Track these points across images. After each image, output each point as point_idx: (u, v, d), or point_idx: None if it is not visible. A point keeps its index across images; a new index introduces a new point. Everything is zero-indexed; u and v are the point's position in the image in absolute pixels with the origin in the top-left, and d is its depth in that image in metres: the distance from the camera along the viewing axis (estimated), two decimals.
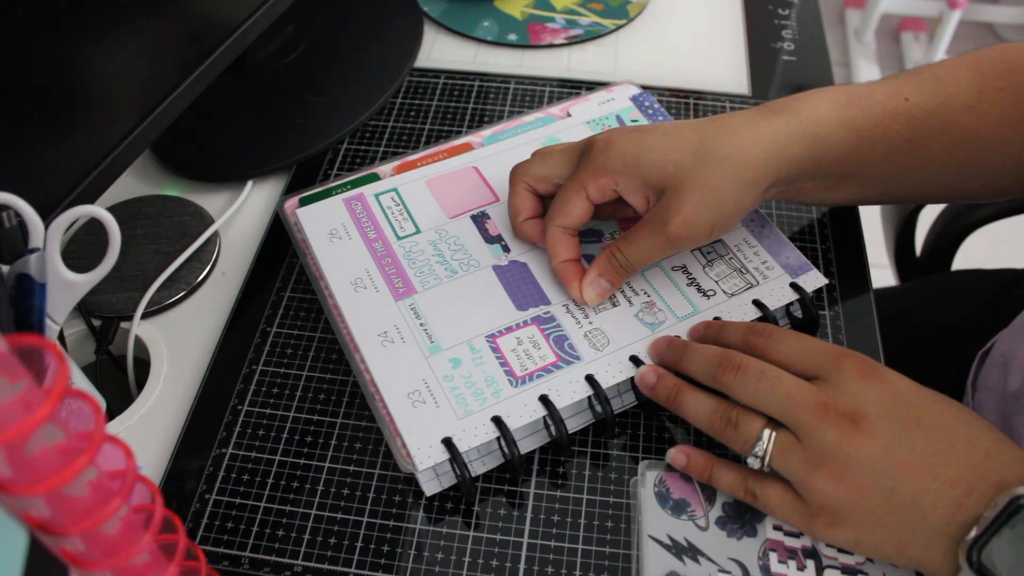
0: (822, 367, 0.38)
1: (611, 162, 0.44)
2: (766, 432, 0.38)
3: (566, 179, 0.46)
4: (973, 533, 0.34)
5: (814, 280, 0.48)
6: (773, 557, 0.39)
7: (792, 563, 0.39)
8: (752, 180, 0.43)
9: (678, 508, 0.41)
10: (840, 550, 0.39)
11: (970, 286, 0.73)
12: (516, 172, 0.49)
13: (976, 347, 0.56)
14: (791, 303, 0.47)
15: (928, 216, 0.79)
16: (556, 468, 0.44)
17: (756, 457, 0.38)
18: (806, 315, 0.47)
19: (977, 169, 0.48)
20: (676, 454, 0.42)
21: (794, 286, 0.47)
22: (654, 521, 0.40)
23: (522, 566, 0.40)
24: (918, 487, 0.35)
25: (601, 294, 0.46)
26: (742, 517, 0.40)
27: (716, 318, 0.46)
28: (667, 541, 0.40)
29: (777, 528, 0.40)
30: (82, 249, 0.53)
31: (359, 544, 0.41)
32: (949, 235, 0.78)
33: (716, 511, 0.41)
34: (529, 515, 0.42)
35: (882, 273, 0.71)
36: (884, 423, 0.36)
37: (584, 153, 0.46)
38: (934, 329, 0.69)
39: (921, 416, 0.37)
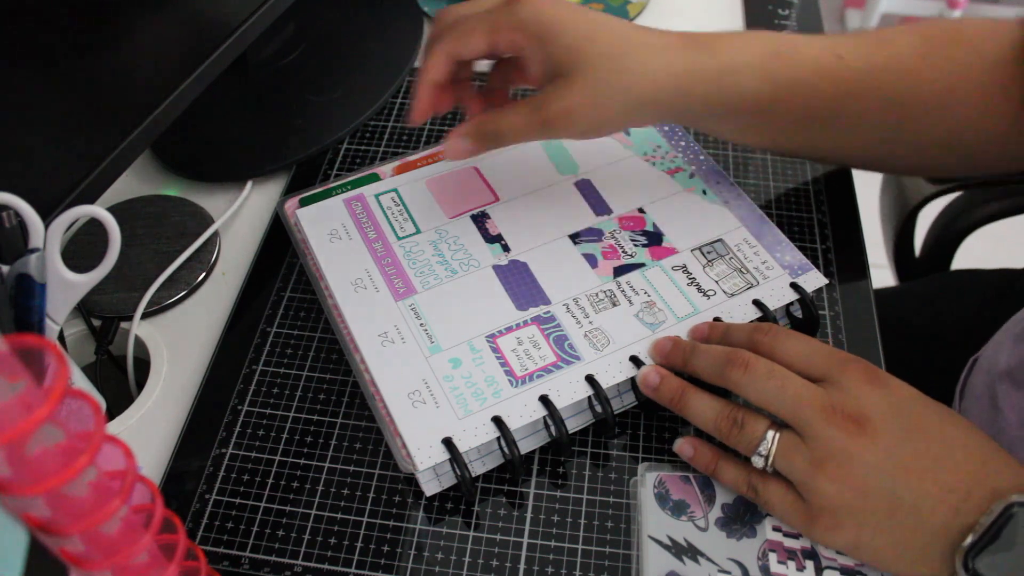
0: (827, 370, 0.39)
1: (531, 23, 0.42)
2: (770, 432, 0.38)
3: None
4: (969, 540, 0.34)
5: (814, 280, 0.48)
6: (772, 557, 0.39)
7: (792, 564, 0.39)
8: (646, 102, 0.43)
9: (678, 509, 0.41)
10: (839, 552, 0.39)
11: (968, 286, 0.73)
12: (436, 34, 0.45)
13: (972, 348, 0.56)
14: (791, 303, 0.47)
15: (928, 216, 0.79)
16: (556, 468, 0.43)
17: (760, 457, 0.38)
18: (806, 315, 0.47)
19: (906, 137, 0.47)
20: (683, 445, 0.42)
21: (794, 286, 0.47)
22: (654, 522, 0.40)
23: (522, 566, 0.40)
24: (918, 491, 0.36)
25: (458, 152, 0.45)
26: (741, 518, 0.40)
27: (716, 318, 0.46)
28: (667, 541, 0.40)
29: (776, 529, 0.40)
30: (82, 249, 0.53)
31: (359, 544, 0.41)
32: (949, 235, 0.78)
33: (716, 512, 0.41)
34: (529, 515, 0.42)
35: (881, 273, 0.71)
36: (888, 427, 0.37)
37: (510, 1, 0.44)
38: (931, 330, 0.69)
39: (923, 423, 0.37)
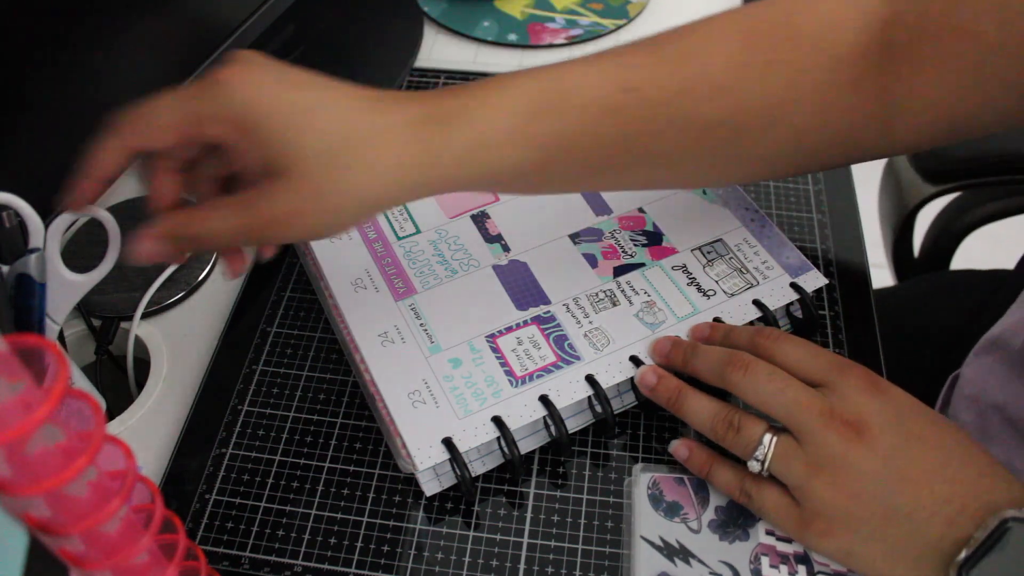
0: (828, 375, 0.39)
1: (235, 114, 0.33)
2: (767, 436, 0.38)
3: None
4: (963, 554, 0.34)
5: (814, 280, 0.48)
6: (765, 561, 0.39)
7: (784, 568, 0.39)
8: (380, 201, 0.36)
9: (671, 510, 0.41)
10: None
11: (962, 287, 0.73)
12: (118, 123, 0.35)
13: (964, 350, 0.56)
14: (791, 303, 0.47)
15: (927, 216, 0.79)
16: (556, 468, 0.43)
17: (757, 461, 0.38)
18: (806, 315, 0.47)
19: (736, 156, 0.41)
20: (679, 446, 0.42)
21: (794, 286, 0.47)
22: (646, 522, 0.40)
23: (522, 566, 0.40)
24: (914, 501, 0.35)
25: (150, 257, 0.36)
26: (735, 521, 0.40)
27: (716, 318, 0.46)
28: (659, 543, 0.40)
29: (769, 533, 0.40)
30: (82, 249, 0.53)
31: (359, 544, 0.41)
32: (947, 235, 0.78)
33: (709, 514, 0.41)
34: (529, 515, 0.42)
35: (880, 273, 0.71)
36: (886, 435, 0.37)
37: (213, 82, 0.34)
38: (924, 331, 0.69)
39: (921, 432, 0.37)
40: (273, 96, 0.34)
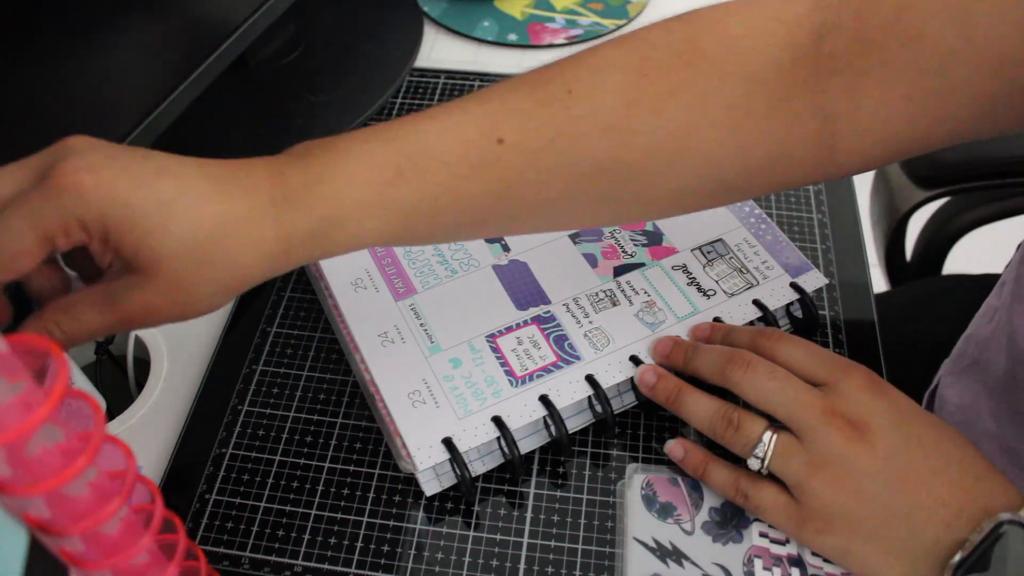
0: (829, 375, 0.39)
1: (88, 219, 0.30)
2: (767, 434, 0.38)
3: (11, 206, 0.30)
4: (958, 556, 0.34)
5: (814, 280, 0.48)
6: (758, 564, 0.39)
7: (777, 570, 0.39)
8: (244, 283, 0.33)
9: (664, 511, 0.41)
10: (826, 560, 0.38)
11: (952, 292, 0.73)
12: None
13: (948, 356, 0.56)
14: (791, 303, 0.47)
15: (919, 219, 0.79)
16: (556, 468, 0.43)
17: (756, 458, 0.38)
18: (806, 315, 0.47)
19: (638, 195, 0.37)
20: (674, 446, 0.42)
21: (794, 286, 0.47)
22: (639, 523, 0.40)
23: (522, 566, 0.40)
24: (913, 502, 0.36)
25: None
26: (729, 522, 0.40)
27: (716, 318, 0.46)
28: (652, 544, 0.40)
29: (763, 535, 0.40)
30: (82, 249, 0.53)
31: (359, 544, 0.41)
32: (939, 240, 0.79)
33: (703, 516, 0.41)
34: (529, 515, 0.42)
35: (874, 272, 0.71)
36: (887, 435, 0.37)
37: (48, 176, 0.30)
38: (915, 336, 0.69)
39: (921, 434, 0.37)
40: (126, 195, 0.30)
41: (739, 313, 0.46)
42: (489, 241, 0.50)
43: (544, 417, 0.42)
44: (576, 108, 0.35)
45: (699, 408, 0.41)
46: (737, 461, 0.40)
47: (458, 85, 0.64)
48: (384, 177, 0.33)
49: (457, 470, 0.41)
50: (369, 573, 0.40)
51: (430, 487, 0.42)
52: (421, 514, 0.42)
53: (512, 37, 0.68)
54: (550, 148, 0.34)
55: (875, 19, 0.34)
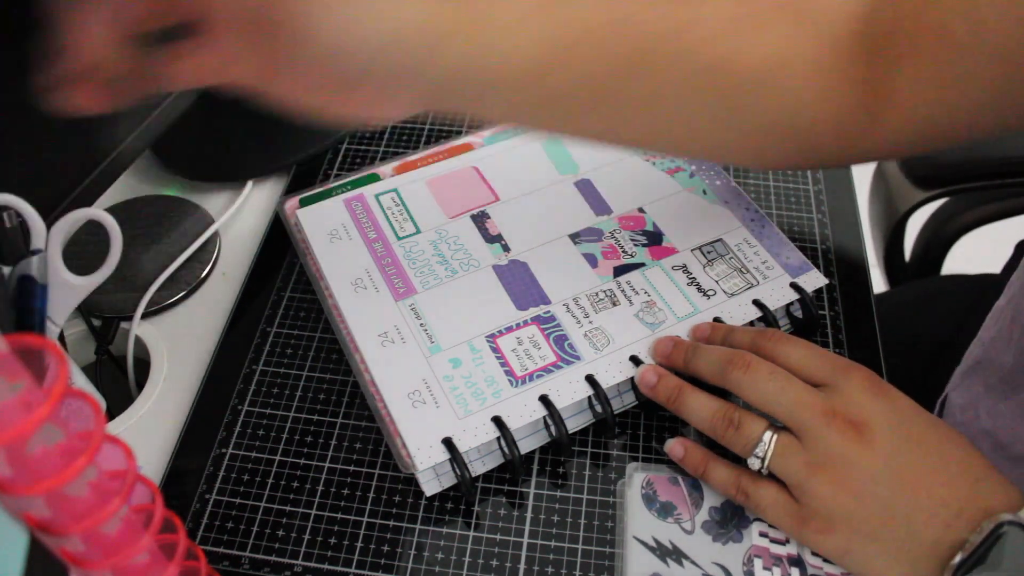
0: (830, 376, 0.39)
1: None
2: (768, 434, 0.38)
3: None
4: (959, 557, 0.34)
5: (814, 280, 0.48)
6: (758, 563, 0.39)
7: (777, 570, 0.39)
8: (388, 43, 0.32)
9: (664, 511, 0.41)
10: (826, 560, 0.38)
11: (951, 293, 0.73)
12: None
13: (954, 355, 0.56)
14: (791, 303, 0.47)
15: (918, 219, 0.79)
16: (556, 468, 0.44)
17: (757, 458, 0.38)
18: (806, 315, 0.47)
19: (731, 118, 0.40)
20: (674, 445, 0.42)
21: (794, 286, 0.47)
22: (639, 522, 0.40)
23: (522, 566, 0.40)
24: (913, 503, 0.36)
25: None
26: (728, 522, 0.40)
27: (716, 318, 0.46)
28: (652, 543, 0.40)
29: (763, 535, 0.40)
30: (83, 249, 0.53)
31: (359, 544, 0.41)
32: (937, 241, 0.79)
33: (703, 515, 0.41)
34: (529, 515, 0.42)
35: (877, 273, 0.71)
36: (887, 436, 0.37)
37: None
38: (914, 337, 0.69)
39: (921, 435, 0.37)
40: None
41: (739, 313, 0.46)
42: (489, 241, 0.50)
43: (544, 417, 0.42)
44: (689, 8, 0.37)
45: (700, 408, 0.41)
46: (737, 461, 0.40)
47: None
48: (535, 4, 0.34)
49: (457, 470, 0.41)
50: (369, 573, 0.40)
51: (430, 487, 0.42)
52: (421, 514, 0.42)
53: None
54: (667, 37, 0.37)
55: (907, 8, 0.37)
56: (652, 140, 0.42)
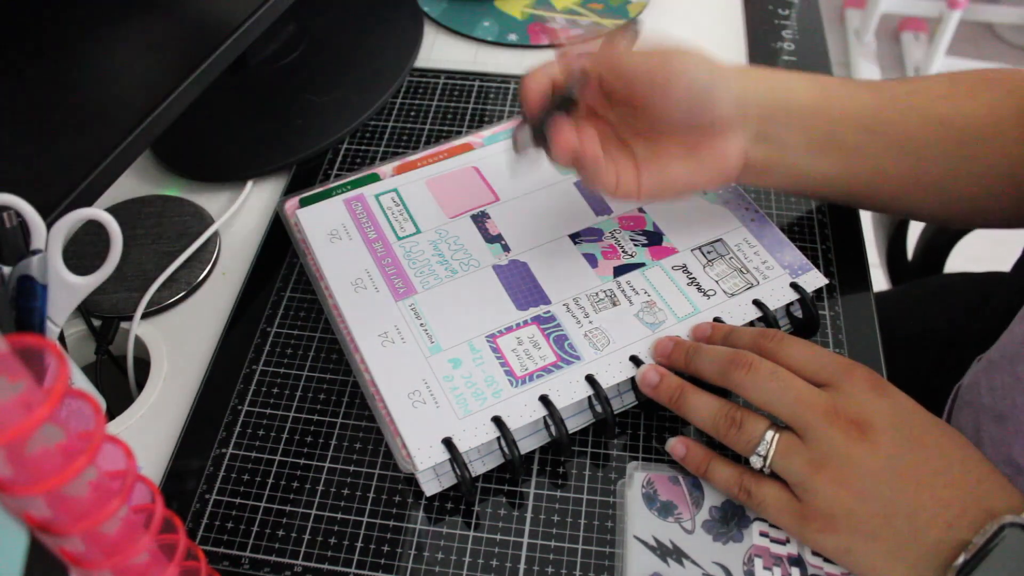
0: (832, 375, 0.39)
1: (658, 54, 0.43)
2: (769, 433, 0.38)
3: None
4: (962, 558, 0.34)
5: (814, 280, 0.48)
6: (758, 563, 0.39)
7: (777, 570, 0.39)
8: (747, 103, 0.44)
9: (665, 510, 0.41)
10: (826, 560, 0.38)
11: (956, 291, 0.73)
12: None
13: (959, 354, 0.55)
14: (791, 303, 0.47)
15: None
16: (556, 468, 0.44)
17: (759, 456, 0.38)
18: (806, 315, 0.47)
19: (966, 163, 0.46)
20: (676, 444, 0.42)
21: (794, 286, 0.47)
22: (640, 522, 0.40)
23: (522, 566, 0.40)
24: (915, 503, 0.36)
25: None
26: (729, 521, 0.40)
27: (716, 318, 0.46)
28: (652, 542, 0.40)
29: (763, 535, 0.40)
30: (82, 249, 0.53)
31: (359, 544, 0.41)
32: (940, 239, 0.79)
33: (703, 514, 0.40)
34: (529, 515, 0.42)
35: (875, 272, 0.71)
36: (890, 435, 0.37)
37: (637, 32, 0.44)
38: (920, 335, 0.69)
39: (923, 435, 0.37)
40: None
41: (739, 313, 0.46)
42: (489, 241, 0.50)
43: (544, 417, 0.42)
44: (916, 82, 0.47)
45: (702, 407, 0.41)
46: (738, 461, 0.40)
47: (458, 85, 0.64)
48: (815, 90, 0.45)
49: (457, 470, 0.41)
50: (369, 573, 0.40)
51: (430, 487, 0.42)
52: (421, 514, 0.42)
53: (512, 37, 0.68)
54: (907, 96, 0.46)
55: None
56: (903, 189, 0.49)
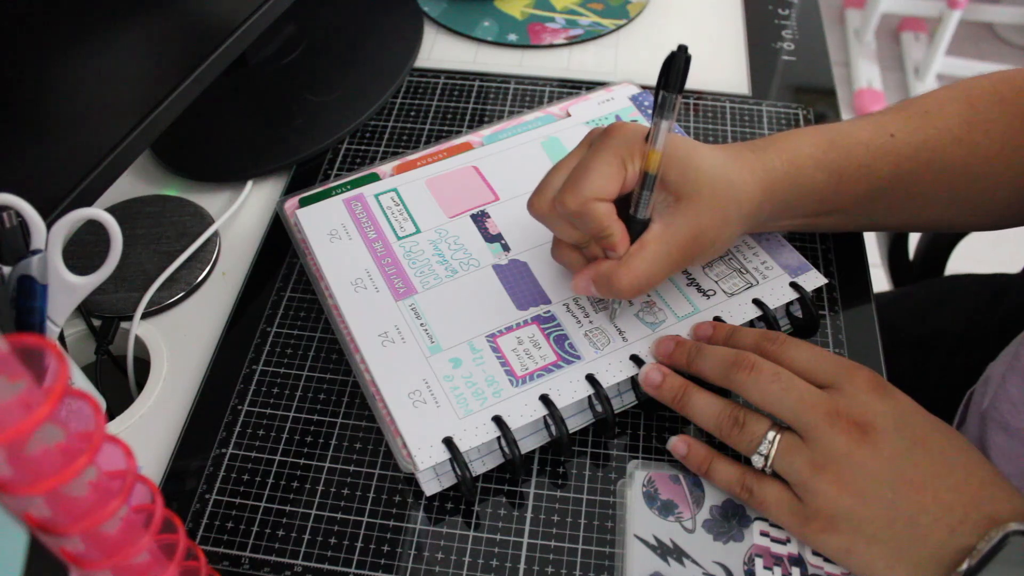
0: (834, 377, 0.39)
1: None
2: (771, 433, 0.38)
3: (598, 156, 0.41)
4: (966, 565, 0.34)
5: (813, 280, 0.48)
6: (759, 563, 0.39)
7: (777, 569, 0.39)
8: (750, 211, 0.43)
9: (665, 509, 0.41)
10: (827, 560, 0.38)
11: (961, 292, 0.73)
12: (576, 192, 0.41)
13: (964, 356, 0.55)
14: (791, 303, 0.47)
15: None
16: (556, 468, 0.44)
17: (760, 456, 0.38)
18: (806, 315, 0.47)
19: (970, 200, 0.48)
20: (677, 443, 0.42)
21: (794, 285, 0.47)
22: (640, 521, 0.40)
23: (522, 566, 0.40)
24: (917, 505, 0.36)
25: (583, 292, 0.44)
26: (730, 521, 0.40)
27: (716, 318, 0.46)
28: (653, 541, 0.40)
29: (764, 534, 0.40)
30: (82, 249, 0.53)
31: (359, 544, 0.41)
32: (941, 240, 0.78)
33: (704, 514, 0.40)
34: (529, 515, 0.42)
35: (876, 272, 0.71)
36: (891, 437, 0.37)
37: (625, 136, 0.42)
38: (923, 337, 0.68)
39: (926, 437, 0.37)
40: (668, 143, 0.42)
41: (739, 313, 0.46)
42: (489, 241, 0.50)
43: (544, 417, 0.42)
44: (934, 122, 0.46)
45: (704, 407, 0.41)
46: (738, 460, 0.40)
47: (458, 85, 0.64)
48: (823, 142, 0.45)
49: (457, 470, 0.41)
50: (369, 573, 0.40)
51: (430, 487, 0.42)
52: (421, 514, 0.42)
53: (512, 37, 0.68)
54: (922, 148, 0.46)
55: None
56: (904, 227, 0.53)
